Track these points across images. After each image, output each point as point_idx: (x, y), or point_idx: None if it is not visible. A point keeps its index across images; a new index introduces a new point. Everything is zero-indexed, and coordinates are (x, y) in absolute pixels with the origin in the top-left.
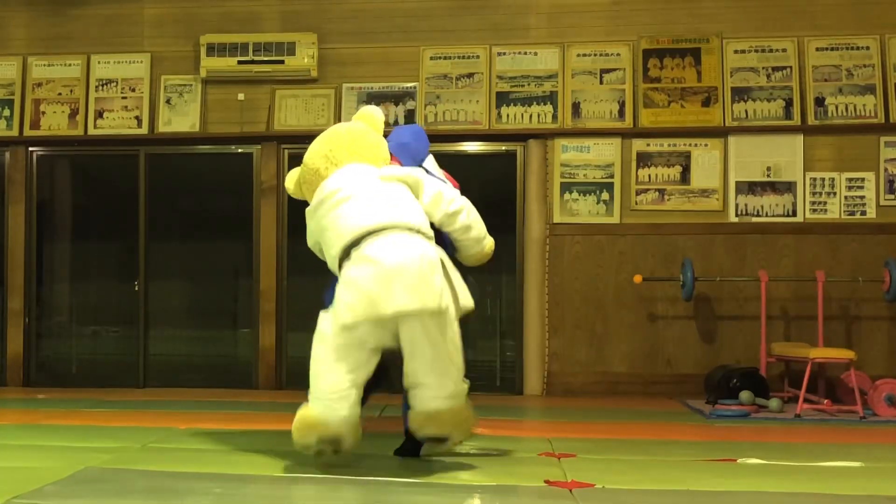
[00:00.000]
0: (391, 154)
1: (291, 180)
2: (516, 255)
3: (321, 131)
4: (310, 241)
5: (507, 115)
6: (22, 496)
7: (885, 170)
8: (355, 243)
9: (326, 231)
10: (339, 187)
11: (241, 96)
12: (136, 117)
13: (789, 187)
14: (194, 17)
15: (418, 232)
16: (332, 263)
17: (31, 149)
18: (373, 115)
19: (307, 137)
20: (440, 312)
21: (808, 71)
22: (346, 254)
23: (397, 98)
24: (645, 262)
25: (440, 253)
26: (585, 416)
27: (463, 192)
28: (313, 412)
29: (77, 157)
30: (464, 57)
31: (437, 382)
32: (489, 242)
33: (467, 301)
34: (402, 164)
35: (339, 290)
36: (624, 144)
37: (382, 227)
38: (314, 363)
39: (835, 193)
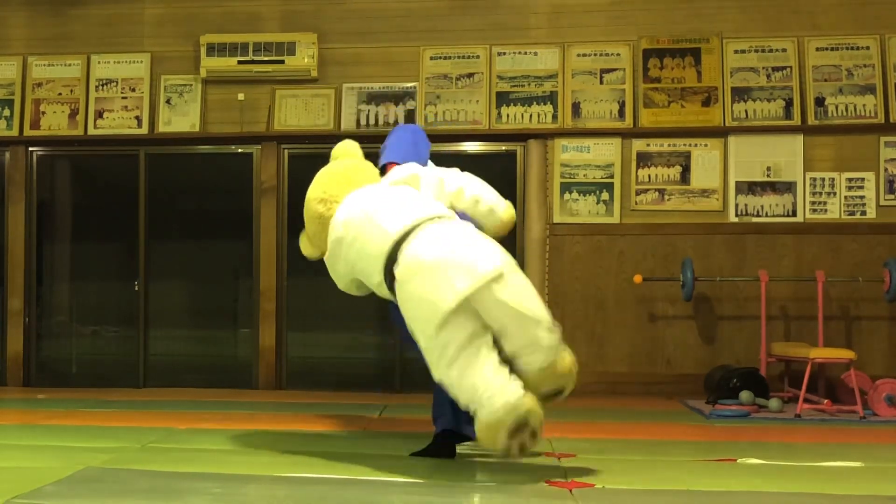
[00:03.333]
0: (390, 161)
1: (305, 245)
2: (516, 255)
3: (321, 131)
4: (341, 285)
5: (507, 115)
6: (22, 496)
7: (885, 170)
8: (393, 255)
9: (358, 263)
10: (348, 217)
11: (241, 96)
12: (136, 117)
13: (789, 187)
14: (194, 17)
15: (441, 218)
16: (380, 289)
17: (31, 149)
18: (348, 148)
19: (307, 137)
20: (511, 271)
21: (808, 71)
22: (388, 269)
23: (397, 98)
24: (645, 262)
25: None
26: (585, 416)
27: None
28: (490, 411)
29: (77, 157)
30: (464, 57)
31: (533, 339)
32: (506, 212)
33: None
34: (398, 165)
35: (412, 295)
36: (624, 144)
37: (412, 227)
38: (457, 386)
39: (835, 193)
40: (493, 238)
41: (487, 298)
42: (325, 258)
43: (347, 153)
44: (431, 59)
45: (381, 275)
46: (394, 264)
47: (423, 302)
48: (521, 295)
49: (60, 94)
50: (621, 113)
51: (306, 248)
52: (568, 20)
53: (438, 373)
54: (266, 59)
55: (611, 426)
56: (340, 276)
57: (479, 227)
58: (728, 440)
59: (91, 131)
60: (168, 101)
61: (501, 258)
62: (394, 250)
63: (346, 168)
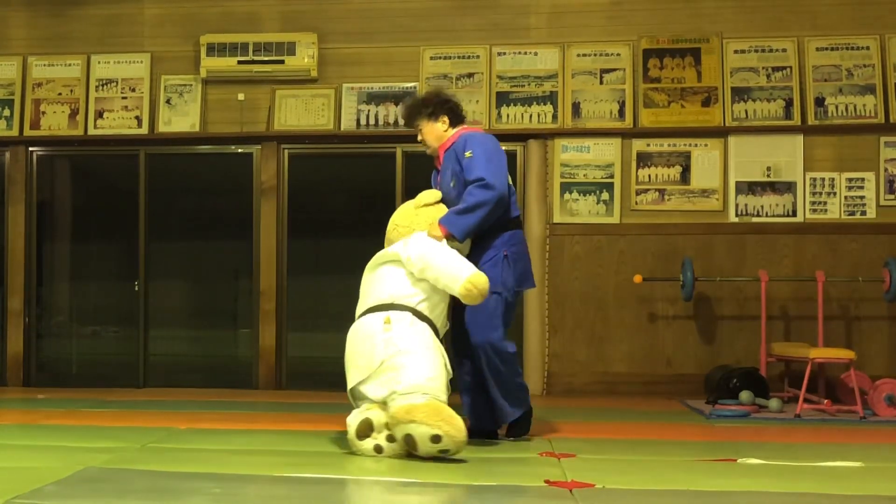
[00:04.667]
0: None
1: None
2: None
3: (321, 131)
4: None
5: (507, 115)
6: (22, 496)
7: (885, 170)
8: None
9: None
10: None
11: (241, 96)
12: (136, 117)
13: (789, 187)
14: (194, 17)
15: (389, 306)
16: None
17: (31, 149)
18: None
19: (307, 137)
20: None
21: (808, 71)
22: None
23: (397, 98)
24: (645, 262)
25: (404, 316)
26: (585, 416)
27: None
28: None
29: (77, 157)
30: (464, 57)
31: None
32: (464, 286)
33: (445, 327)
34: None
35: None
36: (624, 144)
37: (369, 308)
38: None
39: (835, 193)
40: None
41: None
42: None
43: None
44: (431, 59)
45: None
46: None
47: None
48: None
49: (60, 94)
50: (621, 113)
51: None
52: (568, 20)
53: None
54: (266, 59)
55: (611, 426)
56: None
57: None
58: (728, 440)
59: (91, 131)
60: (168, 101)
61: (370, 367)
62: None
63: (418, 211)
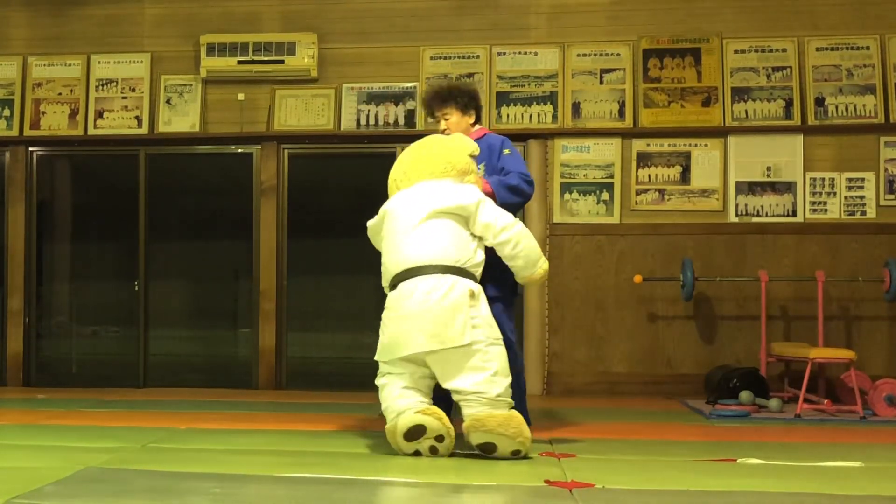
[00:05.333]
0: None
1: None
2: None
3: (321, 131)
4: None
5: (507, 115)
6: (22, 496)
7: (885, 170)
8: (395, 283)
9: (382, 254)
10: (391, 213)
11: (241, 96)
12: (136, 117)
13: (789, 187)
14: (194, 17)
15: (450, 269)
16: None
17: (31, 149)
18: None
19: (307, 137)
20: (462, 347)
21: (808, 71)
22: (391, 290)
23: (397, 98)
24: (645, 262)
25: (472, 286)
26: (585, 416)
27: None
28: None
29: (77, 157)
30: (464, 57)
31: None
32: (538, 270)
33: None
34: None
35: (384, 324)
36: (624, 144)
37: (414, 268)
38: (380, 394)
39: (835, 193)
40: (521, 283)
41: (436, 359)
42: (368, 222)
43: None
44: (431, 59)
45: (386, 285)
46: (391, 289)
47: (383, 336)
48: (444, 372)
49: (60, 94)
50: (621, 113)
51: None
52: (568, 20)
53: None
54: (266, 59)
55: (611, 426)
56: (373, 236)
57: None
58: (728, 440)
59: (91, 131)
60: (168, 101)
61: (451, 341)
62: (396, 279)
63: (436, 151)
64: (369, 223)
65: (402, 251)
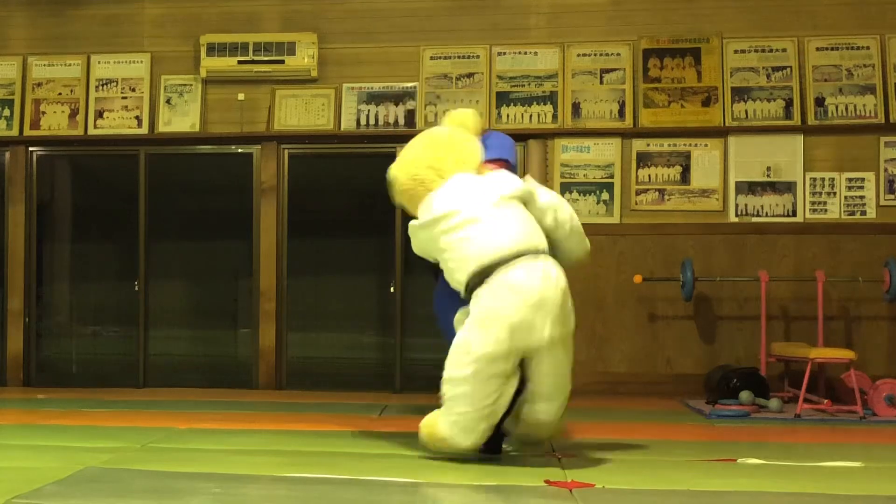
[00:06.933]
0: (501, 158)
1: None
2: None
3: (321, 131)
4: (416, 250)
5: (507, 115)
6: (22, 496)
7: (885, 170)
8: (488, 271)
9: (446, 253)
10: (456, 209)
11: (241, 96)
12: (137, 117)
13: (789, 187)
14: (194, 17)
15: (543, 253)
16: (458, 286)
17: (31, 149)
18: (464, 119)
19: (307, 137)
20: (571, 335)
21: (808, 71)
22: (478, 280)
23: (397, 98)
24: (645, 262)
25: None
26: (585, 416)
27: None
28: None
29: (77, 157)
30: (464, 57)
31: (555, 397)
32: (588, 245)
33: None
34: (508, 163)
35: (478, 320)
36: (624, 144)
37: (516, 253)
38: (455, 382)
39: (835, 193)
40: (567, 265)
41: (534, 356)
42: (411, 224)
43: (463, 124)
44: (431, 59)
45: (467, 277)
46: (486, 276)
47: (489, 323)
48: (556, 369)
49: (60, 94)
50: (621, 113)
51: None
52: (568, 20)
53: (451, 365)
54: (266, 59)
55: (611, 426)
56: (419, 243)
57: (558, 251)
58: (728, 440)
59: (91, 131)
60: (168, 101)
61: (570, 326)
62: (492, 267)
63: (461, 143)
64: (416, 228)
65: (493, 238)
